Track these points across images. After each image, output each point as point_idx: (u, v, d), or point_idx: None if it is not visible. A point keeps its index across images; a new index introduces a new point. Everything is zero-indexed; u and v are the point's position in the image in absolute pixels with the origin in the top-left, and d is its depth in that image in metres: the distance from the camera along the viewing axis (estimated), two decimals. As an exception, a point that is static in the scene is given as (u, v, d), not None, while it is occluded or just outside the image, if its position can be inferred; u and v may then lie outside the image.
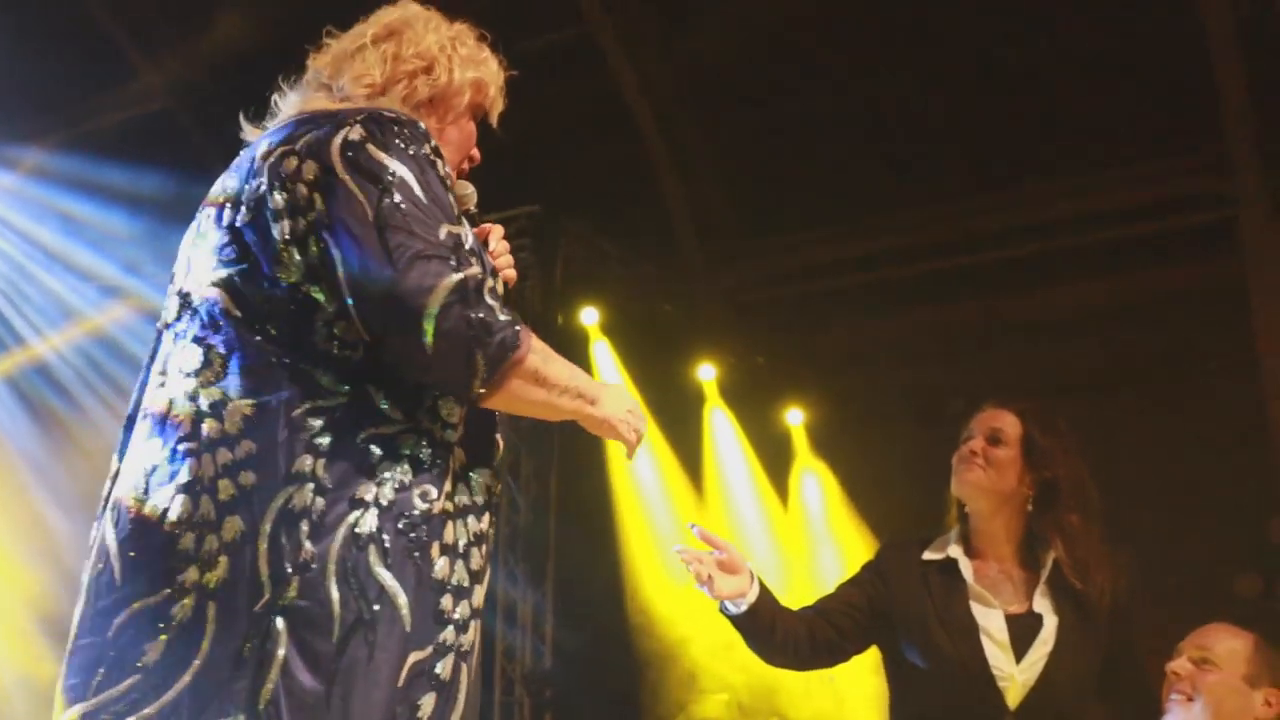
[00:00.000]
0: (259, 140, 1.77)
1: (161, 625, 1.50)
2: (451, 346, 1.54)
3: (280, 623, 1.48)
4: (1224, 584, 6.15)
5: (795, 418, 7.62)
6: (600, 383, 1.81)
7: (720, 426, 7.36)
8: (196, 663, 1.48)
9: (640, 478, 7.00)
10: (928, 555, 3.15)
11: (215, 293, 1.64)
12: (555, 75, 7.89)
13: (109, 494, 1.69)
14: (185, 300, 1.70)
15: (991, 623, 2.97)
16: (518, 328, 1.62)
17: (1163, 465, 7.40)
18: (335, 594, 1.51)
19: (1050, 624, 2.97)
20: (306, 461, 1.52)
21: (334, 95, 1.87)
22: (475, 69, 2.00)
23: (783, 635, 2.93)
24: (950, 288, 7.75)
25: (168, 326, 1.73)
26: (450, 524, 1.61)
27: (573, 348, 7.01)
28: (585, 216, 7.19)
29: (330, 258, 1.58)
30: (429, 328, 1.53)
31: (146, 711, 1.48)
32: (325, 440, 1.54)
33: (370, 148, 1.65)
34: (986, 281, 7.73)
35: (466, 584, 1.65)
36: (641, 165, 7.93)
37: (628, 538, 7.00)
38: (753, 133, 7.82)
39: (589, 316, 7.09)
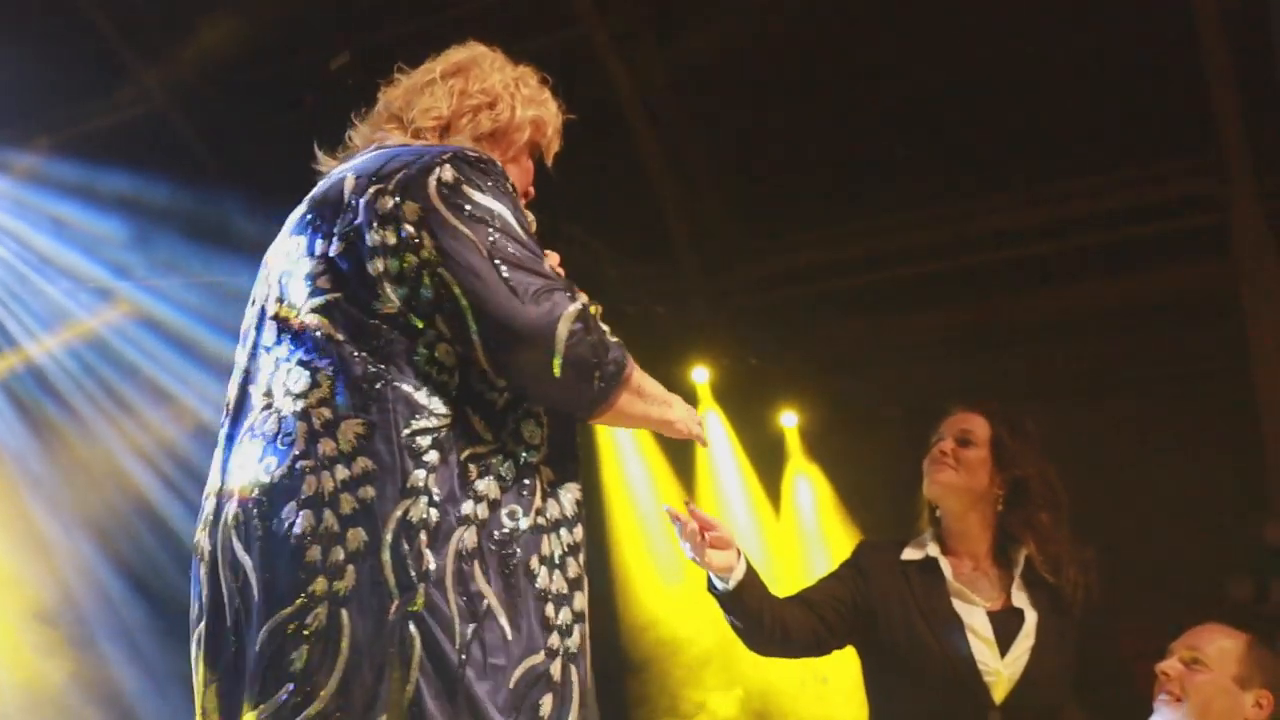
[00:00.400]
0: (342, 171, 1.89)
1: (303, 633, 1.58)
2: (577, 372, 1.72)
3: (412, 627, 1.58)
4: (1217, 587, 6.15)
5: (789, 420, 7.63)
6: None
7: (714, 429, 7.36)
8: (339, 667, 1.57)
9: (632, 480, 7.01)
10: (907, 555, 3.20)
11: (315, 319, 1.75)
12: (551, 77, 7.87)
13: (218, 510, 1.78)
14: (284, 325, 1.80)
15: (975, 619, 3.00)
16: (623, 347, 1.80)
17: (1155, 468, 7.41)
18: (454, 602, 1.62)
19: (1031, 619, 3.02)
20: (419, 476, 1.63)
21: (405, 127, 2.00)
22: (536, 108, 2.18)
23: (770, 619, 2.94)
24: (943, 291, 7.76)
25: (266, 349, 1.82)
26: (545, 538, 1.73)
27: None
28: (579, 219, 7.18)
29: (451, 294, 1.70)
30: (558, 356, 1.69)
31: (309, 712, 1.57)
32: (433, 457, 1.65)
33: (466, 188, 1.79)
34: (979, 285, 7.74)
35: (566, 591, 1.76)
36: (635, 168, 7.93)
37: (620, 541, 7.01)
38: (747, 135, 7.82)
39: (585, 320, 7.08)
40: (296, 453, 1.67)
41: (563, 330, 1.71)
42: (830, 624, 3.06)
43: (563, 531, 1.76)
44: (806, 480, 7.61)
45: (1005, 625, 3.02)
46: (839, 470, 7.55)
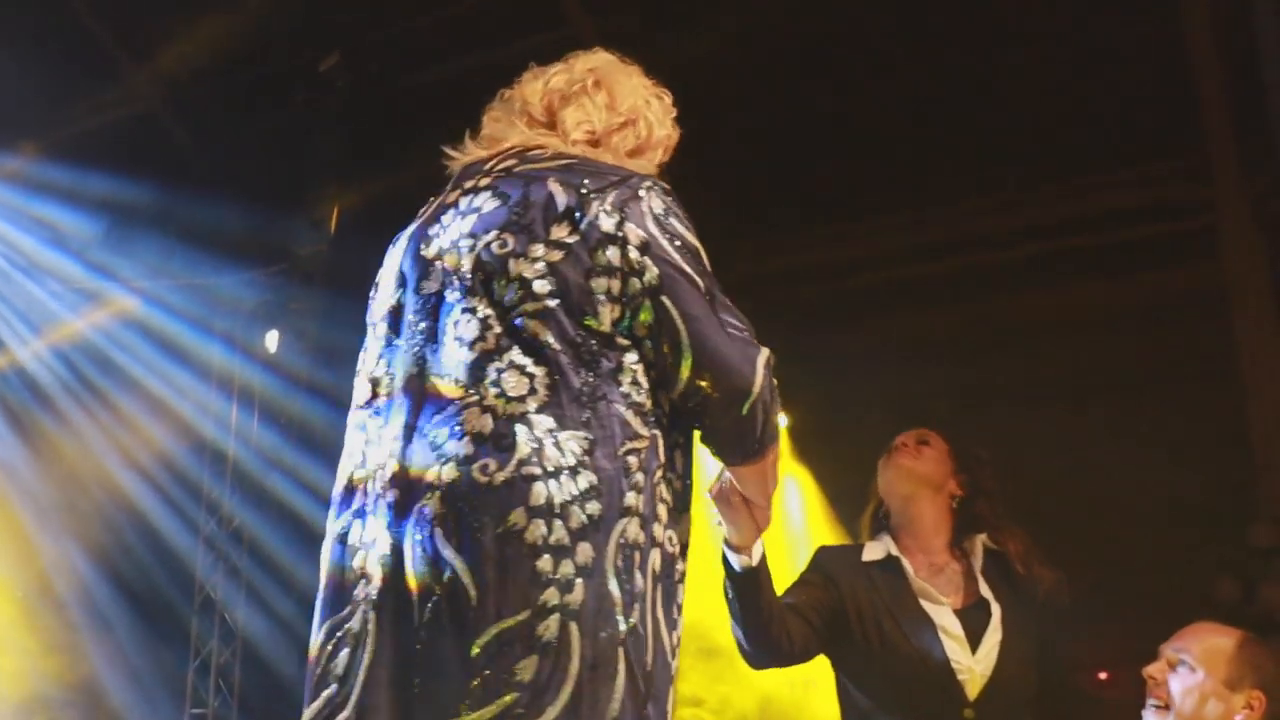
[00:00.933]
0: (526, 169, 1.85)
1: (530, 644, 1.56)
2: (754, 418, 1.77)
3: (620, 650, 1.60)
4: (1204, 589, 6.16)
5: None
6: None
7: (703, 431, 7.34)
8: (570, 681, 1.57)
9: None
10: (867, 555, 3.19)
11: (532, 323, 1.72)
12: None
13: (404, 502, 1.70)
14: (487, 320, 1.75)
15: (944, 618, 3.01)
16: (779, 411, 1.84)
17: (1144, 470, 7.42)
18: (649, 625, 1.66)
19: (996, 612, 3.03)
20: (631, 497, 1.67)
21: (558, 133, 1.99)
22: (666, 128, 2.17)
23: (776, 618, 2.91)
24: (933, 293, 7.76)
25: (461, 341, 1.76)
26: (677, 564, 1.78)
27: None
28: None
29: (671, 323, 1.74)
30: (752, 398, 1.75)
31: None
32: (639, 479, 1.69)
33: (674, 221, 1.86)
34: (969, 287, 7.74)
35: (677, 617, 1.80)
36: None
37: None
38: (738, 136, 7.81)
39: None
40: (519, 458, 1.65)
41: (759, 374, 1.76)
42: (817, 629, 3.04)
43: (682, 561, 1.80)
44: (795, 482, 7.60)
45: (973, 621, 3.02)
46: (827, 472, 7.54)
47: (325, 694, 1.67)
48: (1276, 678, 2.16)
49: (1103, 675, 7.43)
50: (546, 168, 1.86)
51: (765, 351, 1.80)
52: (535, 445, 1.64)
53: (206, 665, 7.21)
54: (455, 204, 1.90)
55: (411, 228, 1.95)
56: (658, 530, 1.72)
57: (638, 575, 1.66)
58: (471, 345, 1.74)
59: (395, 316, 1.88)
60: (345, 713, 1.64)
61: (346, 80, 6.49)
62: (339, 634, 1.69)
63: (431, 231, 1.90)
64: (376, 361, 1.88)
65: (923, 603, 3.04)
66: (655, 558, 1.70)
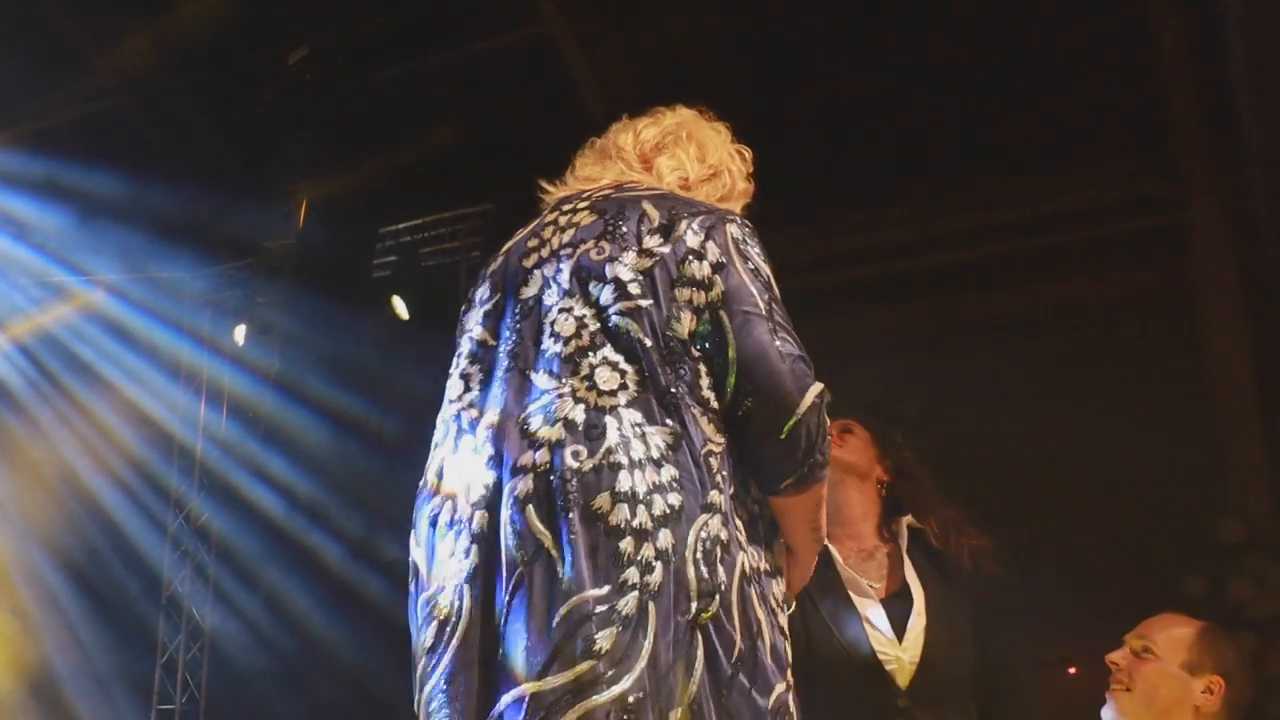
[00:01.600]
0: (623, 193, 2.02)
1: (609, 618, 1.65)
2: (793, 444, 1.83)
3: (699, 635, 1.69)
4: (1172, 585, 6.19)
5: (747, 418, 7.61)
6: None
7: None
8: (644, 655, 1.65)
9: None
10: None
11: (626, 321, 1.85)
12: (513, 75, 7.85)
13: (498, 484, 1.81)
14: (580, 322, 1.87)
15: (870, 609, 3.03)
16: (829, 449, 1.91)
17: (1113, 467, 7.45)
18: (737, 619, 1.74)
19: (919, 596, 3.05)
20: (714, 495, 1.76)
21: (654, 174, 2.17)
22: (744, 182, 2.38)
23: None
24: (902, 291, 7.77)
25: (558, 338, 1.88)
26: (774, 581, 1.86)
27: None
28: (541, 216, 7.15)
29: (724, 335, 1.85)
30: (793, 420, 1.82)
31: (614, 691, 1.63)
32: (722, 480, 1.79)
33: (750, 248, 2.00)
34: (938, 285, 7.76)
35: (787, 633, 1.91)
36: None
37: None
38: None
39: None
40: (608, 447, 1.74)
41: (808, 399, 1.84)
42: None
43: (779, 580, 1.88)
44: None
45: (898, 609, 3.05)
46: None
47: (420, 667, 1.76)
48: (1237, 664, 2.19)
49: (1071, 670, 7.47)
50: (641, 194, 2.03)
51: (819, 385, 1.88)
52: (623, 437, 1.74)
53: (173, 663, 7.16)
54: (554, 221, 2.07)
55: (509, 244, 2.12)
56: (740, 535, 1.81)
57: (720, 569, 1.74)
58: (567, 341, 1.86)
59: (494, 320, 2.00)
60: (431, 682, 1.72)
61: (315, 74, 6.46)
62: (429, 609, 1.78)
63: (530, 245, 2.05)
64: (471, 361, 2.00)
65: (851, 594, 3.06)
66: (746, 559, 1.79)
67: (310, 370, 6.30)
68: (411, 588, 1.88)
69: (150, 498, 7.13)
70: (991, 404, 8.20)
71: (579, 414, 1.79)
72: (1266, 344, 6.74)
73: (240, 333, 6.97)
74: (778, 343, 1.87)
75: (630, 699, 1.63)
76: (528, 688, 1.64)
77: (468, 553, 1.77)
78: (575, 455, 1.75)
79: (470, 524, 1.79)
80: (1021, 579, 7.42)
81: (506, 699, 1.65)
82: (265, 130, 6.70)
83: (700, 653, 1.70)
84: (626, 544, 1.69)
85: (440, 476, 1.91)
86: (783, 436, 1.83)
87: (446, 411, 2.02)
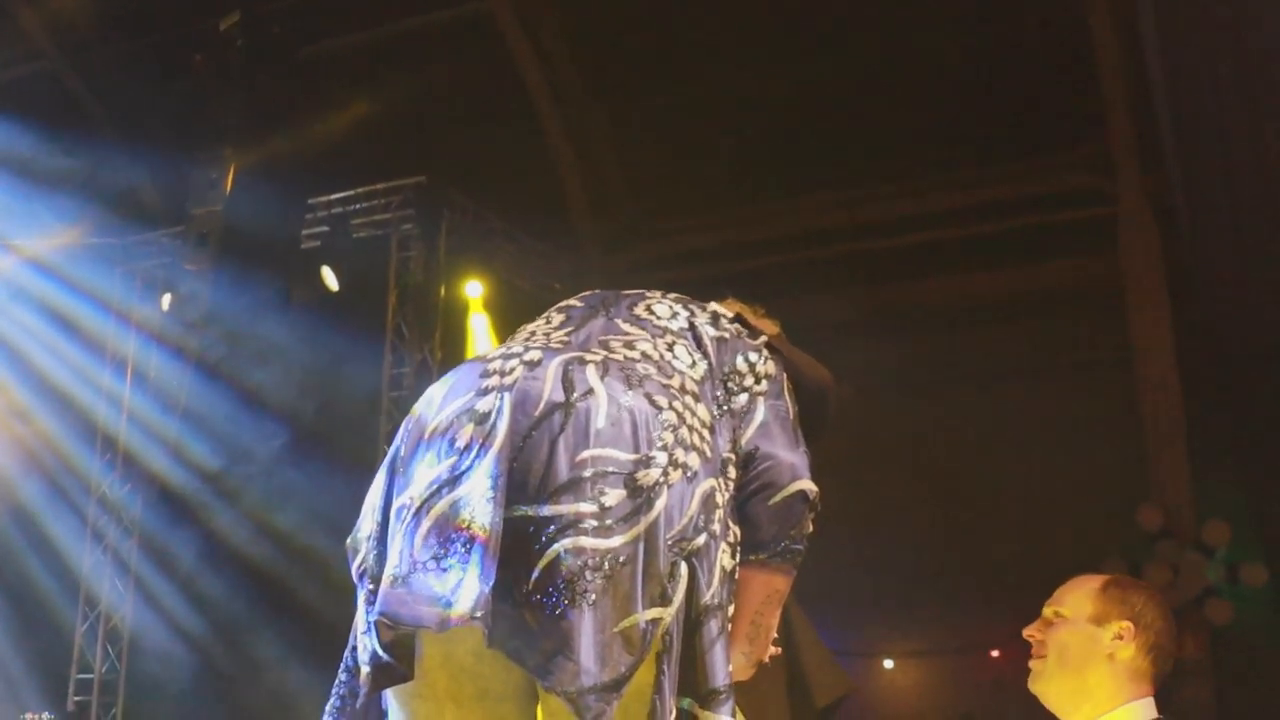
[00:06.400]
0: (693, 300, 2.18)
1: (624, 480, 1.74)
2: (779, 516, 1.95)
3: (683, 563, 1.77)
4: (1092, 569, 6.29)
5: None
6: None
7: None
8: (639, 528, 1.73)
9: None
10: None
11: (697, 368, 2.01)
12: (452, 49, 7.79)
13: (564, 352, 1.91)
14: (670, 342, 2.04)
15: None
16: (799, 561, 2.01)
17: (1039, 453, 7.55)
18: (716, 566, 1.83)
19: None
20: (721, 482, 1.88)
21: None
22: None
23: None
24: (837, 276, 7.82)
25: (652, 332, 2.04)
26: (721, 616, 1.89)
27: (451, 318, 6.95)
28: (477, 191, 7.11)
29: (757, 411, 2.01)
30: (781, 493, 1.94)
31: (605, 544, 1.71)
32: (728, 498, 1.91)
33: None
34: (872, 271, 7.81)
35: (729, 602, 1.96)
36: (537, 143, 7.86)
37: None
38: (652, 115, 7.80)
39: (473, 289, 7.03)
40: (679, 385, 1.92)
41: (799, 484, 1.96)
42: None
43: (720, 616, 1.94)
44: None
45: None
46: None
47: (441, 466, 1.78)
48: (1144, 608, 2.15)
49: (994, 653, 7.57)
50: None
51: (814, 487, 1.99)
52: (678, 415, 1.86)
53: (94, 629, 7.09)
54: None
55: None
56: (733, 543, 1.90)
57: (715, 525, 1.83)
58: (651, 335, 2.05)
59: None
60: (455, 488, 1.75)
61: (247, 41, 6.36)
62: (465, 412, 1.81)
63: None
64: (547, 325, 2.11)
65: None
66: (724, 551, 1.86)
67: (234, 340, 6.24)
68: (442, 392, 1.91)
69: (62, 477, 7.03)
70: (920, 390, 8.28)
71: (654, 353, 1.98)
72: (1190, 337, 6.85)
73: (166, 300, 6.86)
74: (796, 437, 2.04)
75: (621, 558, 1.71)
76: (539, 509, 1.72)
77: (513, 372, 1.84)
78: (646, 369, 1.90)
79: (524, 355, 1.87)
80: (944, 564, 7.53)
81: (516, 512, 1.72)
82: (195, 95, 6.60)
83: (684, 579, 1.76)
84: (667, 436, 1.80)
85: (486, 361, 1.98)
86: (770, 504, 1.95)
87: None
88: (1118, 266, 7.12)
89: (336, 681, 1.80)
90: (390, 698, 1.81)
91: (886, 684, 8.93)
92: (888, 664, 9.04)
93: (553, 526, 1.71)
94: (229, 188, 6.39)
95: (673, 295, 2.15)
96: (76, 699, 7.07)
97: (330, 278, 6.78)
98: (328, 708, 1.80)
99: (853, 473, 7.98)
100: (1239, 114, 4.88)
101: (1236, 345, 6.31)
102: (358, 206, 6.87)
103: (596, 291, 2.20)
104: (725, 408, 1.98)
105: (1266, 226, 5.19)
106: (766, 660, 2.06)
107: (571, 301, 2.15)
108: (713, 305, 2.14)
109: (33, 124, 6.43)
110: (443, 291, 6.88)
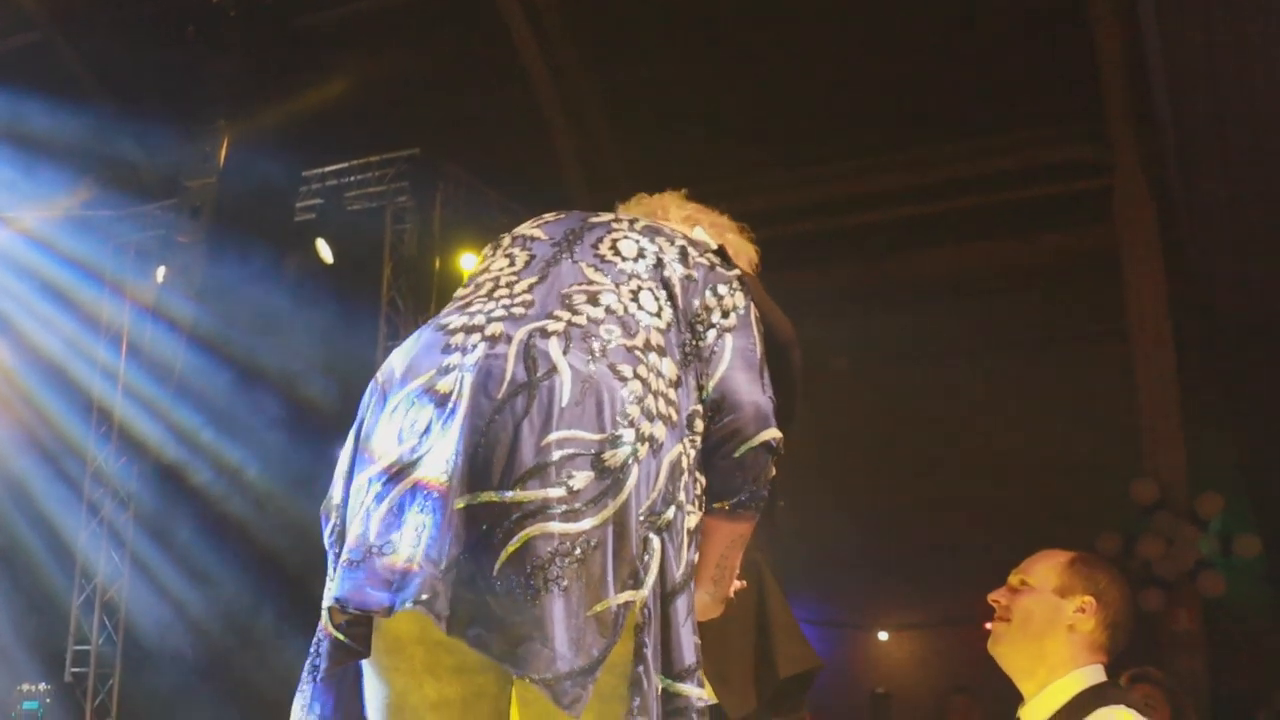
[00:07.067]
0: (664, 227, 2.14)
1: (593, 462, 1.72)
2: (743, 467, 1.92)
3: (654, 537, 1.76)
4: (1087, 542, 6.31)
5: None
6: None
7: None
8: (609, 511, 1.71)
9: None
10: None
11: (663, 315, 1.96)
12: (445, 20, 7.76)
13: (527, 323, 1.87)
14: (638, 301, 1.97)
15: None
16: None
17: (1033, 425, 7.57)
18: (683, 540, 1.81)
19: None
20: (686, 445, 1.85)
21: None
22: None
23: None
24: (832, 250, 7.81)
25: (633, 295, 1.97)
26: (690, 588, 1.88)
27: (446, 290, 6.95)
28: (471, 163, 7.09)
29: (723, 355, 1.97)
30: (746, 444, 1.90)
31: (574, 527, 1.69)
32: (692, 457, 1.88)
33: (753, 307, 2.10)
34: (867, 244, 7.80)
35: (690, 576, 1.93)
36: (532, 114, 7.84)
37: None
38: (647, 87, 7.78)
39: (468, 261, 7.02)
40: (641, 343, 1.87)
41: (765, 434, 1.93)
42: None
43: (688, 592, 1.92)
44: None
45: None
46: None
47: (401, 447, 1.76)
48: (1107, 583, 2.25)
49: (988, 625, 7.61)
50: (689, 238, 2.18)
51: (779, 434, 1.95)
52: (645, 382, 1.83)
53: (90, 601, 7.10)
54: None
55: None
56: (690, 495, 1.87)
57: (681, 494, 1.81)
58: (634, 294, 1.98)
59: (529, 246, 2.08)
60: (413, 471, 1.73)
61: (240, 12, 6.34)
62: (426, 392, 1.78)
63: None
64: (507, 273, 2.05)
65: None
66: (690, 514, 1.84)
67: (225, 313, 6.24)
68: (399, 379, 1.88)
69: (43, 435, 7.03)
70: (915, 362, 8.30)
71: (619, 308, 1.91)
72: (1185, 309, 6.85)
73: (160, 273, 6.85)
74: (764, 383, 2.00)
75: (591, 541, 1.69)
76: (504, 495, 1.69)
77: (474, 349, 1.81)
78: (609, 333, 1.85)
79: (486, 328, 1.84)
80: (938, 537, 7.56)
81: (480, 498, 1.69)
82: (188, 67, 6.58)
83: (658, 553, 1.75)
84: (634, 409, 1.77)
85: (449, 331, 1.94)
86: (736, 455, 1.92)
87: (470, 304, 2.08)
88: (1113, 238, 7.12)
89: (314, 640, 1.78)
90: (366, 670, 1.79)
91: (881, 656, 8.99)
92: (882, 636, 9.10)
93: (519, 512, 1.68)
94: (223, 160, 6.37)
95: (641, 225, 2.08)
96: (74, 670, 7.09)
97: (325, 250, 6.78)
98: (305, 670, 1.78)
99: (847, 445, 8.02)
100: (1234, 87, 4.88)
101: (1231, 318, 6.34)
102: (352, 179, 6.86)
103: (561, 217, 2.14)
104: (693, 352, 1.94)
105: (1261, 200, 5.20)
106: (731, 596, 2.05)
107: (535, 232, 2.10)
108: (683, 236, 2.09)
109: (26, 96, 6.40)
110: (438, 263, 6.87)
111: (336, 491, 1.84)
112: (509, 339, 1.81)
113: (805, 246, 7.70)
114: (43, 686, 6.22)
